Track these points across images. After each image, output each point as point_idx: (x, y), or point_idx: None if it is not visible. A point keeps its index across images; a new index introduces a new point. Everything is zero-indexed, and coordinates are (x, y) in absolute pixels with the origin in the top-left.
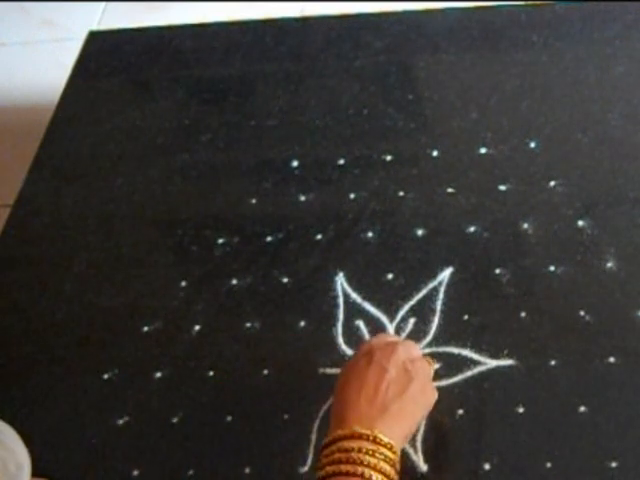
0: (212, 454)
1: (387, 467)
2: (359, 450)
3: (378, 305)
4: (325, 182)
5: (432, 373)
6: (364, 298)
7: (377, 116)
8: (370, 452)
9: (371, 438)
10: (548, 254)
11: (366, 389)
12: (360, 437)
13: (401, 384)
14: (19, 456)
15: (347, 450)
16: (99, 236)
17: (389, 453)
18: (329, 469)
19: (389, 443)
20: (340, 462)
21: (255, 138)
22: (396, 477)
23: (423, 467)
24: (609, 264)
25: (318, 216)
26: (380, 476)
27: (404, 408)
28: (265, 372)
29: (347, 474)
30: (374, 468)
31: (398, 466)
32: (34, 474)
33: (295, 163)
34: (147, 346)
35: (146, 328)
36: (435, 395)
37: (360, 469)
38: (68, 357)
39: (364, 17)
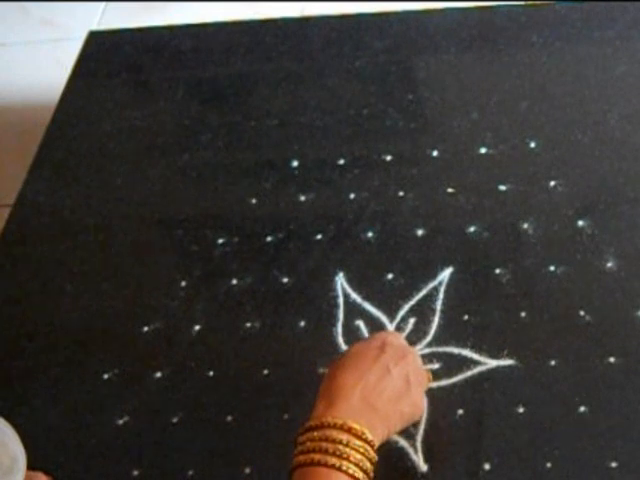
0: (212, 454)
1: (368, 465)
2: (347, 444)
3: (378, 305)
4: (325, 182)
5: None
6: (364, 298)
7: (377, 116)
8: (356, 448)
9: (359, 434)
10: (548, 254)
11: (364, 383)
12: (349, 430)
13: (397, 392)
14: (13, 450)
15: (335, 441)
16: (99, 236)
17: (371, 451)
18: (314, 457)
19: (372, 441)
20: (327, 452)
21: (255, 138)
22: (372, 475)
23: (423, 467)
24: (609, 264)
25: (318, 216)
26: (362, 474)
27: (390, 416)
28: (265, 372)
29: (333, 467)
30: (357, 465)
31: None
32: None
33: (295, 163)
34: (147, 346)
35: (146, 328)
36: (422, 412)
37: (346, 465)
38: (68, 357)
39: (364, 17)
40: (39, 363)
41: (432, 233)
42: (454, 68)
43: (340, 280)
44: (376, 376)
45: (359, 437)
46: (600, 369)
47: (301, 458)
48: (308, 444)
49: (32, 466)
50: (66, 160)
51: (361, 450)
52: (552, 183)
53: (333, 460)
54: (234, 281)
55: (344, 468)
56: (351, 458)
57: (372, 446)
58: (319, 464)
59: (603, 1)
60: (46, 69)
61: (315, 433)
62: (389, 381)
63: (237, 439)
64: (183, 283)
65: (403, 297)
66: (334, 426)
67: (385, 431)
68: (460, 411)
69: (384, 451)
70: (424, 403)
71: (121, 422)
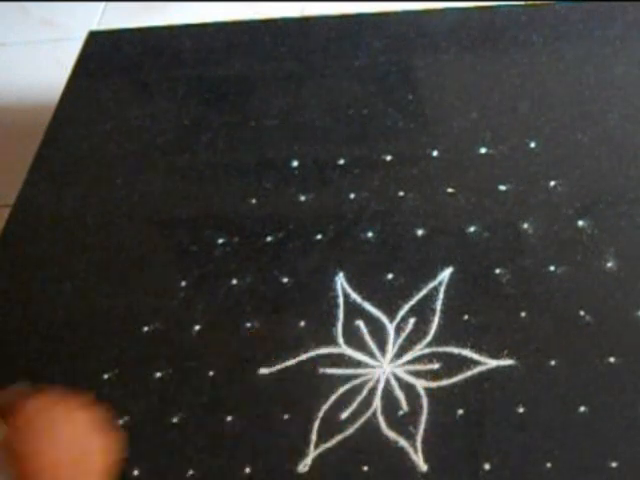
0: (212, 454)
1: None
2: None
3: (378, 305)
4: (325, 182)
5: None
6: (364, 298)
7: (377, 116)
8: None
9: None
10: (548, 254)
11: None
12: None
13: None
14: None
15: None
16: (99, 236)
17: None
18: None
19: None
20: None
21: (255, 138)
22: None
23: (423, 467)
24: (609, 264)
25: (318, 216)
26: None
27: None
28: (265, 372)
29: None
30: None
31: None
32: None
33: (295, 163)
34: (147, 346)
35: (146, 328)
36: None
37: None
38: (68, 357)
39: (364, 17)
40: (39, 363)
41: (432, 233)
42: (454, 68)
43: (340, 280)
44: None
45: None
46: (600, 369)
47: None
48: None
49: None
50: (66, 160)
51: None
52: (552, 183)
53: None
54: (234, 281)
55: None
56: None
57: None
58: None
59: (603, 1)
60: (46, 69)
61: None
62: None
63: (237, 439)
64: (183, 283)
65: (403, 297)
66: None
67: None
68: (460, 411)
69: (384, 451)
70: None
71: (121, 422)
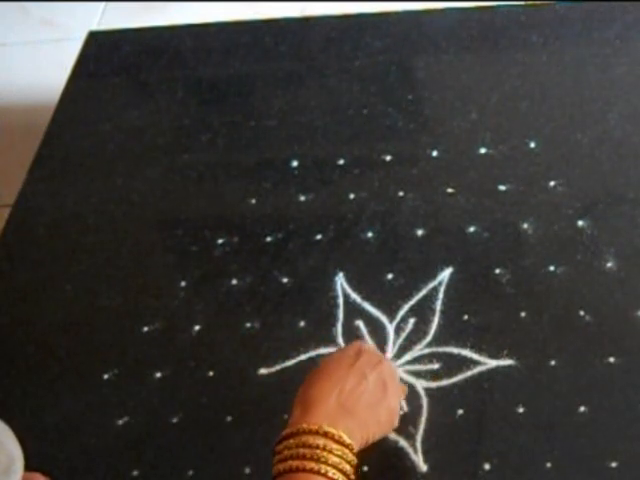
0: (212, 454)
1: (348, 467)
2: (324, 448)
3: (378, 305)
4: (325, 182)
5: (403, 402)
6: (364, 298)
7: (377, 116)
8: (334, 451)
9: (336, 437)
10: (548, 254)
11: (340, 389)
12: (325, 435)
13: (374, 398)
14: (10, 450)
15: (312, 446)
16: (99, 236)
17: (350, 454)
18: (292, 464)
19: (351, 444)
20: (304, 458)
21: (255, 138)
22: (352, 477)
23: (423, 467)
24: (609, 264)
25: (318, 216)
26: (341, 476)
27: (368, 421)
28: (265, 372)
29: (311, 471)
30: (335, 467)
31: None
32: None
33: (295, 163)
34: (147, 346)
35: (146, 328)
36: (396, 422)
37: (324, 468)
38: (68, 357)
39: (364, 17)
40: (39, 363)
41: (432, 233)
42: (454, 68)
43: (340, 280)
44: (352, 382)
45: (336, 441)
46: (600, 369)
47: (280, 467)
48: (285, 452)
49: (32, 466)
50: (66, 160)
51: (338, 453)
52: (552, 183)
53: (311, 464)
54: (234, 281)
55: (322, 471)
56: (329, 461)
57: (350, 449)
58: (297, 470)
59: (603, 1)
60: (46, 69)
61: (292, 440)
62: (365, 386)
63: (237, 439)
64: (183, 283)
65: (403, 297)
66: (310, 432)
67: (364, 436)
68: (460, 411)
69: (384, 451)
70: (398, 413)
71: (121, 422)
